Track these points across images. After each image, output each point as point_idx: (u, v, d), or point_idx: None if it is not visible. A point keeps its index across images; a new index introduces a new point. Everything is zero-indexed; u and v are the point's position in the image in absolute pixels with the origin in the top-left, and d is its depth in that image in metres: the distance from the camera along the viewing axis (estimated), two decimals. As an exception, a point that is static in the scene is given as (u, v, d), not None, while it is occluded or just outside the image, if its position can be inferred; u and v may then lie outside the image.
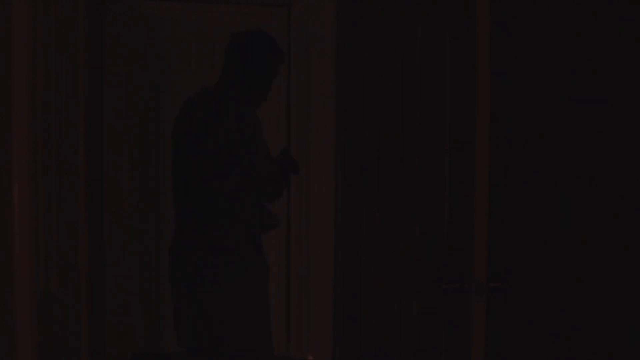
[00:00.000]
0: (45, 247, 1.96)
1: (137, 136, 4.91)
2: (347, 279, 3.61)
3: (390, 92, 2.70)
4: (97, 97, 3.81)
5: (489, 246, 2.00)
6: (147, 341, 5.04)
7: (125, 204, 4.76)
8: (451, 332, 2.17)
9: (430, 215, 2.36)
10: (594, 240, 1.90)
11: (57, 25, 2.23)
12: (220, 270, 2.95)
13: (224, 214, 2.95)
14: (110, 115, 4.42)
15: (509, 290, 2.19)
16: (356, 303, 3.31)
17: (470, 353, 2.01)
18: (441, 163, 2.25)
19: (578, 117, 1.96)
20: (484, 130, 1.99)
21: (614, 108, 1.84)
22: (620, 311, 1.81)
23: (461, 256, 2.07)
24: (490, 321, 2.05)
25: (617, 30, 1.83)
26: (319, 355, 4.60)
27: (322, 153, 4.43)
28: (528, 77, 2.19)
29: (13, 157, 1.62)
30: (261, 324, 3.03)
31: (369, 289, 2.95)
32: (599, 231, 1.89)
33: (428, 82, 2.37)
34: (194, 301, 3.03)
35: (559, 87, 2.05)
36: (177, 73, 5.01)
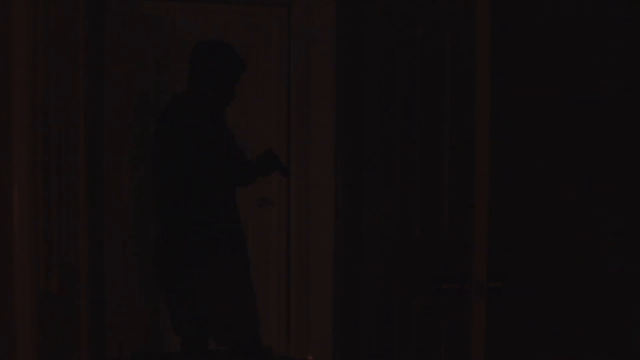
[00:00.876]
0: (45, 247, 1.96)
1: (137, 136, 4.91)
2: (347, 279, 3.61)
3: (390, 92, 2.70)
4: (97, 97, 3.81)
5: (489, 246, 2.00)
6: (147, 341, 5.04)
7: (125, 204, 4.76)
8: (451, 332, 2.17)
9: (430, 215, 2.36)
10: (594, 241, 1.90)
11: (57, 25, 2.23)
12: (205, 265, 3.18)
13: (200, 210, 3.16)
14: (110, 115, 4.42)
15: (509, 290, 2.19)
16: (356, 303, 3.31)
17: (471, 353, 2.01)
18: (441, 163, 2.25)
19: (578, 117, 1.96)
20: (484, 130, 1.99)
21: (614, 108, 1.84)
22: (621, 311, 1.81)
23: (461, 256, 2.07)
24: (490, 321, 2.05)
25: (618, 30, 1.83)
26: (319, 355, 4.60)
27: (322, 153, 4.43)
28: (528, 77, 2.19)
29: (13, 157, 1.62)
30: (246, 308, 3.27)
31: (369, 289, 2.95)
32: (599, 231, 1.89)
33: (428, 82, 2.37)
34: (183, 295, 3.26)
35: (559, 87, 2.05)
36: (177, 73, 5.00)
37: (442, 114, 2.25)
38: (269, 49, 5.06)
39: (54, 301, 2.11)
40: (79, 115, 2.85)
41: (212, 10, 5.02)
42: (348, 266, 3.60)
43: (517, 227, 2.23)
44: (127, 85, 4.73)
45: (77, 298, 2.80)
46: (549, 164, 2.09)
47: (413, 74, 2.47)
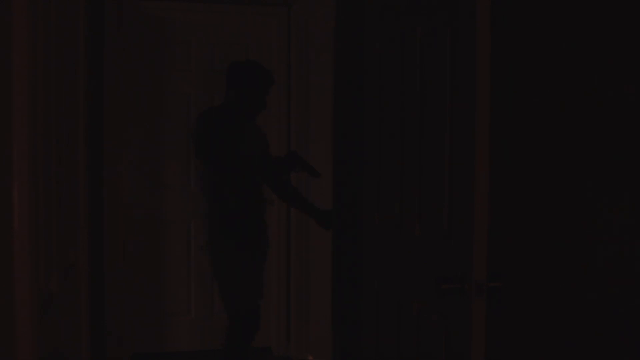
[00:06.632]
0: (45, 247, 1.96)
1: (137, 136, 4.91)
2: (347, 279, 3.61)
3: (390, 92, 2.70)
4: (97, 97, 3.81)
5: (488, 246, 2.00)
6: (147, 341, 5.04)
7: (125, 203, 4.77)
8: (451, 332, 2.17)
9: (430, 215, 2.36)
10: (595, 241, 1.90)
11: (57, 25, 2.23)
12: (213, 244, 3.89)
13: (216, 199, 3.85)
14: (110, 115, 4.42)
15: (509, 290, 2.19)
16: (356, 303, 3.31)
17: (471, 353, 2.01)
18: (441, 163, 2.25)
19: (579, 116, 1.96)
20: (483, 130, 2.00)
21: (615, 108, 1.84)
22: (621, 311, 1.82)
23: (461, 256, 2.07)
24: (490, 321, 2.05)
25: (619, 30, 1.83)
26: (319, 355, 4.60)
27: (322, 153, 4.43)
28: (528, 77, 2.19)
29: (13, 157, 1.62)
30: (238, 289, 3.93)
31: (369, 289, 2.95)
32: (600, 231, 1.89)
33: (428, 81, 2.37)
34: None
35: (559, 86, 2.05)
36: (177, 73, 5.00)
37: (442, 113, 2.25)
38: (269, 49, 5.05)
39: (54, 301, 2.11)
40: (79, 115, 2.85)
41: (212, 10, 5.01)
42: (348, 266, 3.59)
43: (517, 227, 2.23)
44: (127, 85, 4.73)
45: (77, 298, 2.80)
46: (550, 163, 2.09)
47: (413, 74, 2.47)
